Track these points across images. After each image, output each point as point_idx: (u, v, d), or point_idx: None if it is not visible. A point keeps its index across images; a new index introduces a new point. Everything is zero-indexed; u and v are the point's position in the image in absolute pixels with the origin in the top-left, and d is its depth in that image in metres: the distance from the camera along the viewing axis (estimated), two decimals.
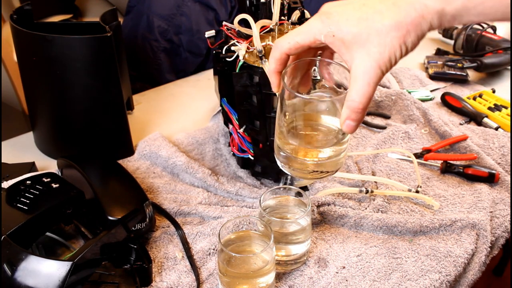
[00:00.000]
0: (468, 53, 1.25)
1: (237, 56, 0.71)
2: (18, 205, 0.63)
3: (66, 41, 0.76)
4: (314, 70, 0.70)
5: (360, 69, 0.44)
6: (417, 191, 0.80)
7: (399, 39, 0.43)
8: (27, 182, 0.68)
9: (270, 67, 0.48)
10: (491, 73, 1.20)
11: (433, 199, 0.79)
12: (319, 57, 0.49)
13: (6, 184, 0.75)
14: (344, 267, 0.67)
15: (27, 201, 0.64)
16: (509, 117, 1.00)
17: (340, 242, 0.71)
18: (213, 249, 0.69)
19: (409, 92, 1.08)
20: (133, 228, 0.67)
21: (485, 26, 1.27)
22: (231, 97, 0.78)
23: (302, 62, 0.49)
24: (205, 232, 0.72)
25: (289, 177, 0.79)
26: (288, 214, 0.69)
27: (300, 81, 0.51)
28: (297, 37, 0.45)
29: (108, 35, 0.76)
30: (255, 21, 0.68)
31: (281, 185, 0.78)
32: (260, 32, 0.69)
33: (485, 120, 1.00)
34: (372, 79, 0.44)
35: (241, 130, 0.77)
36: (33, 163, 0.84)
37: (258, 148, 0.78)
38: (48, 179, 0.69)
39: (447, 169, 0.86)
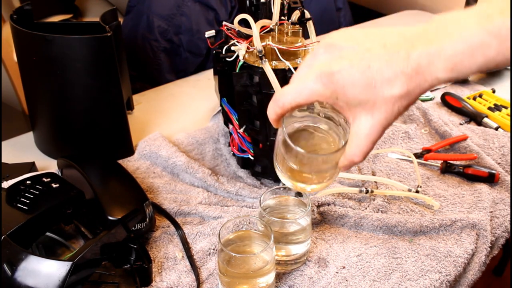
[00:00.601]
0: None
1: (237, 56, 0.71)
2: (18, 205, 0.63)
3: (66, 41, 0.76)
4: None
5: (363, 129, 0.43)
6: (417, 191, 0.80)
7: (405, 106, 0.42)
8: (27, 182, 0.68)
9: (270, 116, 0.47)
10: (491, 73, 1.20)
11: (433, 199, 0.79)
12: None
13: (6, 184, 0.75)
14: (344, 267, 0.67)
15: (27, 201, 0.64)
16: (509, 117, 1.00)
17: (340, 242, 0.71)
18: (213, 249, 0.69)
19: None
20: (133, 228, 0.67)
21: None
22: (231, 97, 0.78)
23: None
24: (205, 232, 0.72)
25: None
26: (288, 214, 0.69)
27: None
28: (299, 98, 0.43)
29: (108, 35, 0.76)
30: (255, 21, 0.68)
31: (281, 185, 0.78)
32: (260, 32, 0.69)
33: (485, 120, 1.00)
34: (375, 139, 0.43)
35: (241, 130, 0.77)
36: (33, 163, 0.84)
37: (258, 148, 0.78)
38: (48, 179, 0.69)
39: (447, 169, 0.86)
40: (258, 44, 0.67)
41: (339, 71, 0.40)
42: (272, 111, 0.46)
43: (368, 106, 0.41)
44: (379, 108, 0.41)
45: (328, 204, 0.76)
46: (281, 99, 0.44)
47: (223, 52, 0.73)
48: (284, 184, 0.77)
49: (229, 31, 0.75)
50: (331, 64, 0.41)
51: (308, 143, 0.51)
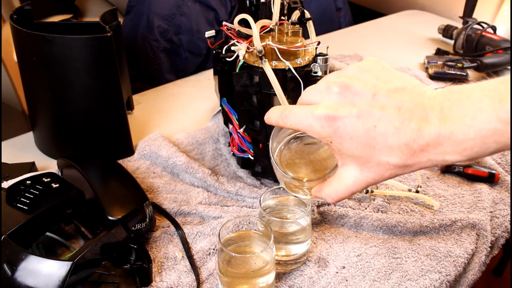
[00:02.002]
0: (468, 53, 1.25)
1: (237, 56, 0.71)
2: (18, 205, 0.63)
3: (66, 41, 0.76)
4: (314, 65, 0.71)
5: (347, 179, 0.42)
6: (417, 191, 0.80)
7: (398, 174, 0.40)
8: (27, 182, 0.68)
9: (270, 122, 0.47)
10: (491, 73, 1.20)
11: (433, 199, 0.79)
12: None
13: (6, 184, 0.75)
14: (344, 267, 0.67)
15: (27, 201, 0.64)
16: None
17: (340, 242, 0.71)
18: (213, 249, 0.69)
19: None
20: (133, 228, 0.67)
21: (485, 26, 1.27)
22: (231, 97, 0.78)
23: None
24: (205, 232, 0.72)
25: None
26: (288, 214, 0.69)
27: None
28: (298, 126, 0.42)
29: (108, 35, 0.76)
30: (255, 21, 0.68)
31: (281, 185, 0.78)
32: (260, 32, 0.69)
33: None
34: (355, 191, 0.43)
35: (241, 130, 0.77)
36: (33, 163, 0.84)
37: (258, 148, 0.78)
38: (48, 179, 0.69)
39: (447, 169, 0.86)
40: (258, 44, 0.67)
41: (343, 118, 0.39)
42: (274, 120, 0.45)
43: (360, 161, 0.40)
44: (370, 168, 0.40)
45: (328, 204, 0.76)
46: (287, 117, 0.43)
47: (223, 52, 0.73)
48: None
49: (229, 31, 0.75)
50: (339, 109, 0.39)
51: (304, 151, 0.51)
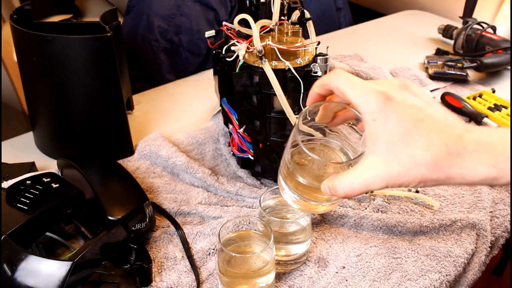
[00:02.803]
0: (468, 53, 1.25)
1: (237, 56, 0.71)
2: (18, 205, 0.63)
3: (66, 41, 0.76)
4: (314, 65, 0.71)
5: (370, 169, 0.40)
6: (417, 191, 0.80)
7: (421, 175, 0.39)
8: (27, 182, 0.68)
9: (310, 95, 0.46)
10: (491, 73, 1.20)
11: (433, 199, 0.79)
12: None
13: (6, 184, 0.75)
14: (344, 267, 0.67)
15: (27, 201, 0.64)
16: (509, 117, 1.00)
17: (340, 242, 0.71)
18: (213, 249, 0.69)
19: None
20: (133, 228, 0.67)
21: (485, 26, 1.27)
22: (231, 97, 0.78)
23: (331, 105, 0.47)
24: (205, 232, 0.72)
25: None
26: (288, 214, 0.69)
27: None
28: (353, 95, 0.41)
29: (108, 35, 0.76)
30: (255, 21, 0.68)
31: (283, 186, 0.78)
32: (260, 32, 0.69)
33: (485, 120, 1.00)
34: (371, 185, 0.41)
35: (241, 130, 0.77)
36: (33, 163, 0.84)
37: (258, 148, 0.78)
38: (48, 179, 0.69)
39: None
40: (258, 44, 0.67)
41: (398, 101, 0.39)
42: (334, 85, 0.44)
43: (393, 150, 0.39)
44: (400, 160, 0.39)
45: None
46: (345, 85, 0.42)
47: (223, 52, 0.73)
48: None
49: (229, 31, 0.75)
50: (397, 93, 0.40)
51: (320, 155, 0.50)
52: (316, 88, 0.46)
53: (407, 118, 0.38)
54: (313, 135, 0.51)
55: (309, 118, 0.48)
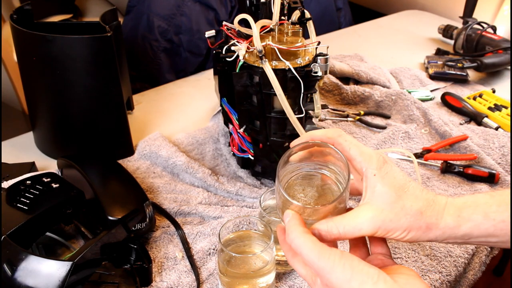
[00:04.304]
0: (468, 53, 1.25)
1: (237, 56, 0.71)
2: (18, 205, 0.63)
3: (66, 41, 0.76)
4: (314, 65, 0.71)
5: (365, 215, 0.45)
6: None
7: (409, 224, 0.45)
8: (27, 182, 0.68)
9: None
10: (491, 73, 1.20)
11: None
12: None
13: (6, 184, 0.75)
14: None
15: (27, 201, 0.64)
16: (509, 117, 1.00)
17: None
18: (213, 249, 0.69)
19: (409, 92, 1.08)
20: (133, 228, 0.67)
21: (485, 26, 1.27)
22: (231, 97, 0.78)
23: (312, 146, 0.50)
24: (205, 232, 0.72)
25: None
26: None
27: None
28: (361, 157, 0.48)
29: (108, 35, 0.76)
30: (255, 21, 0.68)
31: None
32: (260, 32, 0.69)
33: (485, 120, 1.00)
34: (365, 230, 0.45)
35: (241, 130, 0.77)
36: (33, 163, 0.84)
37: (258, 148, 0.78)
38: (48, 179, 0.69)
39: (447, 169, 0.86)
40: (258, 44, 0.67)
41: (391, 164, 0.47)
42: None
43: (388, 200, 0.45)
44: (392, 210, 0.45)
45: None
46: (340, 135, 0.49)
47: (223, 52, 0.73)
48: None
49: (229, 31, 0.75)
50: (387, 158, 0.48)
51: (310, 193, 0.51)
52: (318, 135, 0.50)
53: (400, 178, 0.47)
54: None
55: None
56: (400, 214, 0.45)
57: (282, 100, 0.69)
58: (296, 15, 0.74)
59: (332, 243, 0.47)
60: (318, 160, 0.51)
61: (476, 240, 0.46)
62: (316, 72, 0.71)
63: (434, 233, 0.46)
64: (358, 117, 1.00)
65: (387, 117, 1.02)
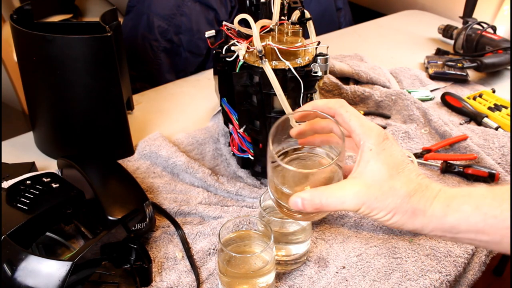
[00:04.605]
0: (468, 53, 1.25)
1: (237, 56, 0.71)
2: (18, 205, 0.63)
3: (66, 41, 0.76)
4: (314, 65, 0.71)
5: (351, 188, 0.44)
6: None
7: (395, 206, 0.43)
8: (27, 182, 0.68)
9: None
10: (491, 73, 1.20)
11: None
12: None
13: (6, 184, 0.75)
14: (344, 267, 0.67)
15: (27, 201, 0.64)
16: (509, 117, 1.00)
17: (340, 242, 0.71)
18: (213, 249, 0.69)
19: (409, 92, 1.08)
20: (133, 228, 0.67)
21: (485, 26, 1.27)
22: (231, 97, 0.78)
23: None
24: (205, 232, 0.72)
25: None
26: None
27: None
28: (360, 128, 0.46)
29: (108, 35, 0.76)
30: (255, 21, 0.68)
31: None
32: (260, 32, 0.69)
33: (485, 120, 1.00)
34: (347, 204, 0.44)
35: (241, 130, 0.77)
36: (33, 163, 0.84)
37: (258, 148, 0.78)
38: (48, 179, 0.69)
39: (447, 169, 0.86)
40: (258, 44, 0.67)
41: (392, 141, 0.45)
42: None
43: (378, 178, 0.44)
44: (381, 188, 0.43)
45: None
46: (341, 106, 0.48)
47: (223, 52, 0.73)
48: None
49: (229, 31, 0.75)
50: (389, 135, 0.46)
51: (300, 164, 0.50)
52: (319, 105, 0.48)
53: (397, 157, 0.45)
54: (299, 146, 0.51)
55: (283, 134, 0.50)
56: (388, 193, 0.43)
57: (282, 100, 0.69)
58: (296, 15, 0.74)
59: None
60: (319, 139, 0.50)
61: (466, 236, 0.43)
62: (316, 72, 0.71)
63: (420, 221, 0.43)
64: None
65: (387, 117, 1.02)
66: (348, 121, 0.46)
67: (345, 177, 0.47)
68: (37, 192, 0.66)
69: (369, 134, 0.45)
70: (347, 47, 1.33)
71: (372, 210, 0.44)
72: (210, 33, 0.77)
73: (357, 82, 1.14)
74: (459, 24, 1.36)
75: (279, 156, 0.50)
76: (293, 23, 0.74)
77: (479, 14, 1.41)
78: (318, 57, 0.72)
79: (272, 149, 0.46)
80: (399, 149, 0.45)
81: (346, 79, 1.15)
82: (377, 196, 0.43)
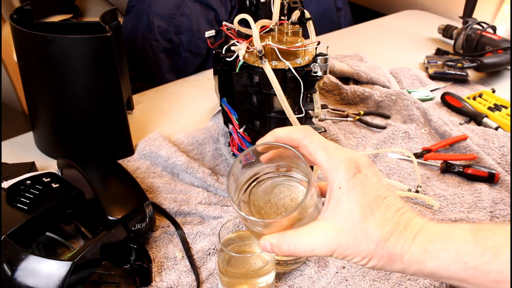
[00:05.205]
0: (468, 53, 1.25)
1: (237, 56, 0.71)
2: (18, 205, 0.63)
3: (66, 41, 0.76)
4: (314, 65, 0.71)
5: (320, 234, 0.40)
6: (417, 191, 0.80)
7: (368, 252, 0.39)
8: (27, 182, 0.68)
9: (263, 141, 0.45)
10: (491, 73, 1.20)
11: (433, 199, 0.79)
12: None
13: (6, 184, 0.75)
14: (344, 267, 0.67)
15: (27, 201, 0.64)
16: (509, 117, 1.00)
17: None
18: (213, 249, 0.69)
19: (409, 92, 1.08)
20: (133, 228, 0.67)
21: (485, 26, 1.27)
22: (231, 97, 0.78)
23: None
24: (205, 232, 0.72)
25: None
26: None
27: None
28: (326, 163, 0.41)
29: (108, 35, 0.76)
30: (255, 21, 0.68)
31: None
32: (260, 32, 0.69)
33: (485, 120, 1.00)
34: (316, 250, 0.40)
35: (241, 130, 0.77)
36: (33, 163, 0.84)
37: None
38: (48, 179, 0.69)
39: (447, 169, 0.86)
40: (258, 44, 0.67)
41: (368, 174, 0.40)
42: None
43: (349, 221, 0.39)
44: (352, 233, 0.39)
45: None
46: (305, 136, 0.43)
47: (223, 52, 0.73)
48: None
49: (229, 31, 0.75)
50: (366, 169, 0.41)
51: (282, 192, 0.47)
52: (281, 136, 0.44)
53: (372, 193, 0.39)
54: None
55: (254, 159, 0.46)
56: (360, 239, 0.39)
57: (282, 100, 0.69)
58: (296, 15, 0.74)
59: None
60: (286, 161, 0.46)
61: (450, 282, 0.39)
62: (316, 72, 0.71)
63: (398, 265, 0.39)
64: (358, 117, 1.00)
65: (387, 117, 1.02)
66: (314, 153, 0.41)
67: (324, 194, 0.43)
68: (37, 192, 0.66)
69: (338, 169, 0.40)
70: (347, 47, 1.33)
71: (345, 256, 0.40)
72: (210, 33, 0.77)
73: (357, 82, 1.14)
74: (459, 24, 1.36)
75: (252, 183, 0.47)
76: (293, 23, 0.74)
77: (479, 14, 1.41)
78: (318, 57, 0.72)
79: (231, 191, 0.43)
80: (376, 181, 0.40)
81: (346, 79, 1.15)
82: (349, 242, 0.39)
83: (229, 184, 0.44)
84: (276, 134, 0.44)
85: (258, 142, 0.45)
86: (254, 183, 0.47)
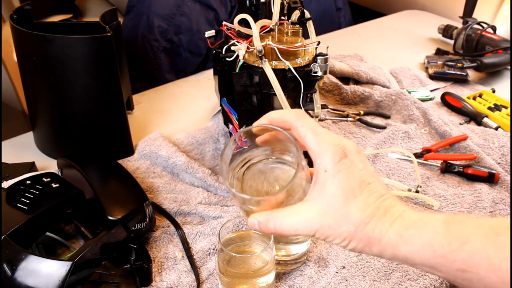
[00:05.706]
0: (468, 53, 1.25)
1: (237, 56, 0.71)
2: (18, 205, 0.63)
3: (66, 41, 0.76)
4: (314, 65, 0.71)
5: (304, 214, 0.41)
6: (417, 191, 0.80)
7: (348, 235, 0.41)
8: (27, 182, 0.68)
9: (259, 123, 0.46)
10: (491, 73, 1.20)
11: (433, 199, 0.79)
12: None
13: (6, 184, 0.75)
14: (344, 267, 0.67)
15: (27, 201, 0.64)
16: (509, 117, 1.00)
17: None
18: (213, 249, 0.69)
19: (409, 92, 1.08)
20: (133, 228, 0.67)
21: (485, 26, 1.27)
22: (231, 97, 0.78)
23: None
24: (205, 232, 0.72)
25: None
26: None
27: None
28: (315, 146, 0.43)
29: (108, 35, 0.76)
30: (255, 21, 0.68)
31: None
32: (260, 32, 0.69)
33: (485, 120, 1.00)
34: (300, 230, 0.42)
35: None
36: (33, 163, 0.84)
37: None
38: (48, 179, 0.69)
39: (447, 169, 0.86)
40: (258, 44, 0.67)
41: (354, 159, 0.41)
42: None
43: (332, 204, 0.41)
44: (335, 215, 0.40)
45: None
46: (298, 119, 0.44)
47: (223, 52, 0.73)
48: None
49: (229, 31, 0.75)
50: (353, 155, 0.42)
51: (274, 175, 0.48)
52: (275, 118, 0.45)
53: (356, 178, 0.41)
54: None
55: (249, 142, 0.48)
56: (341, 221, 0.40)
57: (282, 100, 0.69)
58: (296, 15, 0.74)
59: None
60: (281, 145, 0.47)
61: (423, 268, 0.40)
62: (316, 72, 0.71)
63: (376, 249, 0.40)
64: (358, 117, 1.00)
65: (387, 117, 1.02)
66: (304, 137, 0.42)
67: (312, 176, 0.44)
68: (37, 192, 0.66)
69: (325, 153, 0.41)
70: (347, 47, 1.33)
71: (327, 237, 0.41)
72: (210, 33, 0.77)
73: (357, 82, 1.14)
74: (459, 24, 1.36)
75: (246, 163, 0.48)
76: (293, 23, 0.74)
77: (479, 14, 1.41)
78: (318, 57, 0.72)
79: (225, 170, 0.44)
80: (362, 167, 0.42)
81: (346, 79, 1.15)
82: (331, 224, 0.41)
83: (223, 162, 0.45)
84: (271, 116, 0.45)
85: (254, 124, 0.46)
86: (248, 163, 0.48)
